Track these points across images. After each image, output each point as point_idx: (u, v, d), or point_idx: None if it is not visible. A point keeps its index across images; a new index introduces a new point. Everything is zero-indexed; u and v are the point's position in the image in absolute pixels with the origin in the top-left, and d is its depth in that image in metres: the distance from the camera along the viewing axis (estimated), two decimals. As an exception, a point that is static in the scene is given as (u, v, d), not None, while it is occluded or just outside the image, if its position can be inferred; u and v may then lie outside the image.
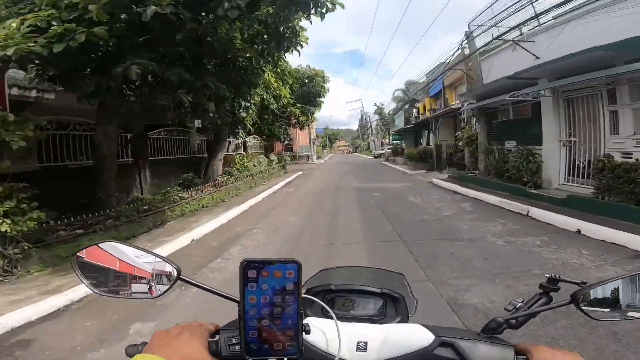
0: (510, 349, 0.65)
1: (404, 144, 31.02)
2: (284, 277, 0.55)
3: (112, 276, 0.68)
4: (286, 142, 35.49)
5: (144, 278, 0.68)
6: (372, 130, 50.99)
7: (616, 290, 0.67)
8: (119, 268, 0.68)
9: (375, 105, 58.62)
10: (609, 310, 0.67)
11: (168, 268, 0.69)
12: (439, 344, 0.67)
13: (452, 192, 10.58)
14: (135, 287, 0.68)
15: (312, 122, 38.68)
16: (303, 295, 0.73)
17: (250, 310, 0.56)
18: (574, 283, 0.72)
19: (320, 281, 0.94)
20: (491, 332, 0.70)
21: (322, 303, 0.75)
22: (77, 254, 0.68)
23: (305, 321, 0.62)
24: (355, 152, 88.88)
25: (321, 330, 0.69)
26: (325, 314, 0.76)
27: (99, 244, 0.68)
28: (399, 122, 33.48)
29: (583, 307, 0.66)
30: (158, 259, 0.69)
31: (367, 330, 0.71)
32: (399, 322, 0.82)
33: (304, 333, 0.60)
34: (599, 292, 0.67)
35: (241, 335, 0.57)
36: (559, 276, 0.76)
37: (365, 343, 0.68)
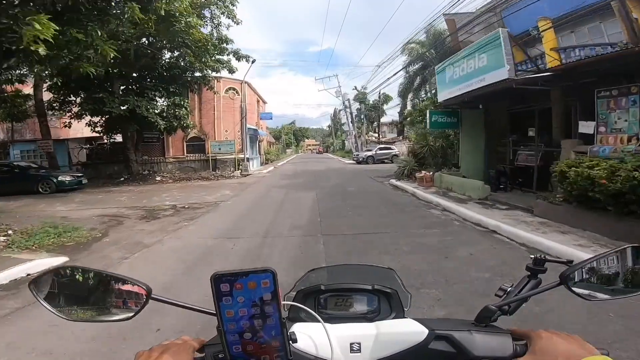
0: (507, 336, 0.65)
1: (458, 140, 13.15)
2: (260, 287, 0.52)
3: (77, 300, 0.64)
4: (189, 131, 19.06)
5: (111, 300, 0.65)
6: (351, 122, 35.31)
7: (604, 268, 0.66)
8: (85, 292, 0.64)
9: (356, 89, 43.44)
10: (599, 289, 0.66)
11: (137, 289, 0.65)
12: (434, 337, 0.65)
13: None
14: (104, 310, 0.65)
15: (235, 92, 22.28)
16: (288, 302, 0.76)
17: (229, 324, 0.54)
18: (561, 262, 0.73)
19: (309, 282, 0.92)
20: (485, 320, 0.69)
21: (308, 308, 0.73)
22: (34, 281, 0.64)
23: (293, 328, 0.66)
24: (327, 152, 73.50)
25: (311, 336, 0.66)
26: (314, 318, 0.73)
27: (59, 269, 0.65)
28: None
29: (573, 288, 0.65)
30: (123, 281, 0.66)
31: (359, 330, 0.69)
32: (394, 317, 0.80)
33: (291, 342, 0.58)
34: (588, 271, 0.65)
35: (225, 351, 0.55)
36: (545, 256, 0.75)
37: (359, 344, 0.66)
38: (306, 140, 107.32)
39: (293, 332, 0.62)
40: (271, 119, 30.53)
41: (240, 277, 0.52)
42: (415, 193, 10.10)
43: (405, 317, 0.77)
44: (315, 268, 1.04)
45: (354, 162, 29.30)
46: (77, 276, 0.64)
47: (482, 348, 0.63)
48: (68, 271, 0.65)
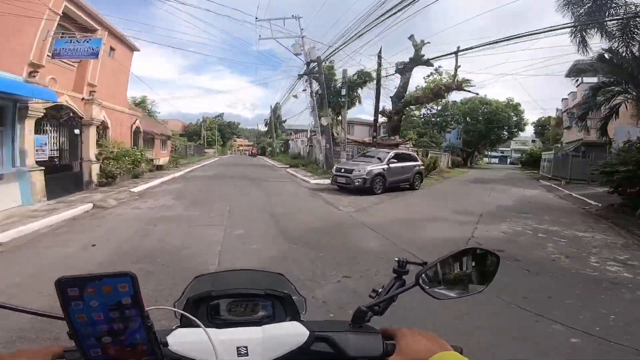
0: (377, 335, 0.70)
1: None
2: (116, 291, 0.50)
3: None
4: None
5: None
6: (319, 102, 18.37)
7: (450, 269, 0.73)
8: None
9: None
10: (447, 288, 0.73)
11: None
12: (314, 339, 0.68)
13: None
14: None
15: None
16: (162, 307, 0.77)
17: (83, 329, 0.52)
18: (417, 264, 0.77)
19: (196, 289, 0.88)
20: (359, 321, 0.73)
21: (182, 311, 0.73)
22: None
23: (174, 333, 0.67)
24: (264, 155, 55.79)
25: (197, 340, 0.66)
26: (207, 323, 0.74)
27: None
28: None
29: (425, 288, 0.71)
30: None
31: (246, 334, 0.70)
32: (290, 321, 0.80)
33: (162, 346, 0.58)
34: (437, 272, 0.73)
35: (83, 356, 0.54)
36: (406, 259, 0.81)
37: (246, 347, 0.67)
38: (237, 139, 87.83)
39: (165, 335, 0.63)
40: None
41: (92, 282, 0.50)
42: None
43: (301, 320, 0.78)
44: (201, 275, 1.00)
45: (335, 184, 12.66)
46: None
47: (356, 348, 0.67)
48: None
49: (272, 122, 54.37)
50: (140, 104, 26.01)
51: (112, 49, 13.07)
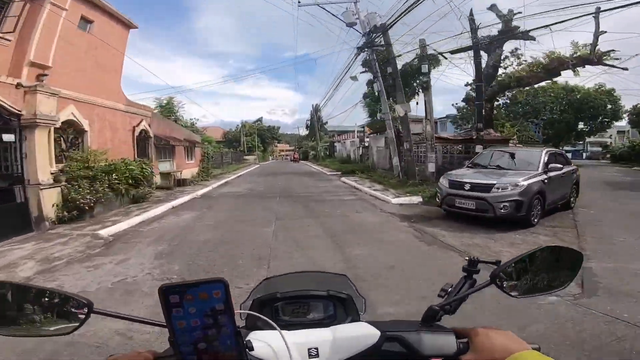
0: (450, 334, 0.68)
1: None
2: (211, 297, 0.51)
3: (11, 316, 0.61)
4: None
5: (48, 315, 0.62)
6: (393, 80, 12.98)
7: (526, 266, 0.72)
8: (18, 307, 0.62)
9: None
10: (524, 286, 0.72)
11: (76, 303, 0.63)
12: (386, 339, 0.68)
13: None
14: (41, 325, 0.62)
15: None
16: (245, 311, 0.77)
17: (181, 335, 0.53)
18: (490, 263, 0.77)
19: (264, 290, 0.92)
20: (430, 320, 0.72)
21: (264, 317, 0.73)
22: None
23: (250, 336, 0.67)
24: (306, 160, 51.35)
25: (269, 343, 0.67)
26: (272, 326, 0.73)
27: None
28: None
29: (502, 286, 0.70)
30: (64, 296, 0.64)
31: (316, 336, 0.70)
32: (350, 322, 0.81)
33: (247, 350, 0.59)
34: (513, 270, 0.71)
35: None
36: (477, 258, 0.81)
37: (317, 349, 0.67)
38: (278, 144, 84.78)
39: (249, 340, 0.63)
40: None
41: (190, 288, 0.51)
42: None
43: (361, 321, 0.79)
44: (270, 277, 1.05)
45: (447, 208, 7.23)
46: (8, 292, 0.62)
47: (430, 347, 0.66)
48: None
49: (314, 123, 49.72)
50: (166, 106, 22.32)
51: (86, 20, 8.76)
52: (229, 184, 17.19)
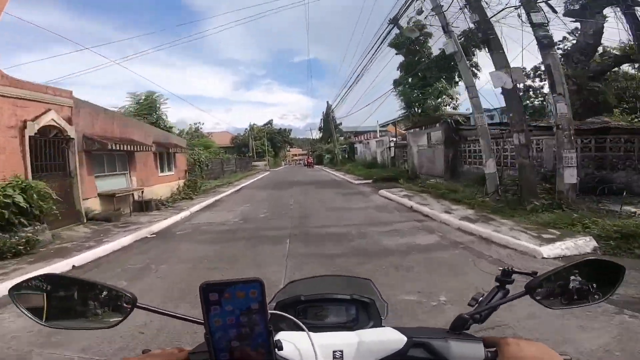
0: (479, 343, 0.67)
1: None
2: (248, 297, 0.53)
3: (59, 308, 0.63)
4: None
5: (94, 308, 0.64)
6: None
7: (564, 278, 0.69)
8: (66, 300, 0.64)
9: None
10: (560, 298, 0.70)
11: (120, 297, 0.65)
12: (412, 345, 0.67)
13: None
14: (87, 318, 0.64)
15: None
16: (273, 311, 0.75)
17: (217, 332, 0.54)
18: (526, 274, 0.76)
19: (289, 293, 0.93)
20: (459, 328, 0.71)
21: (292, 317, 0.74)
22: (15, 288, 0.63)
23: (277, 336, 0.65)
24: (319, 164, 46.13)
25: (295, 344, 0.67)
26: (297, 327, 0.74)
27: (39, 277, 0.63)
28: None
29: (537, 298, 0.69)
30: (106, 289, 0.65)
31: (341, 339, 0.70)
32: (372, 326, 0.82)
33: (276, 350, 0.59)
34: (550, 282, 0.69)
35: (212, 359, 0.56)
36: (512, 268, 0.79)
37: (341, 352, 0.67)
38: (290, 149, 79.89)
39: (279, 339, 0.63)
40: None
41: (229, 287, 0.52)
42: None
43: (384, 326, 0.79)
44: (294, 280, 1.07)
45: None
46: (57, 284, 0.64)
47: (457, 355, 0.64)
48: (48, 279, 0.64)
49: (329, 123, 44.40)
50: (145, 103, 17.37)
51: None
52: (220, 203, 12.00)
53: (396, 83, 21.30)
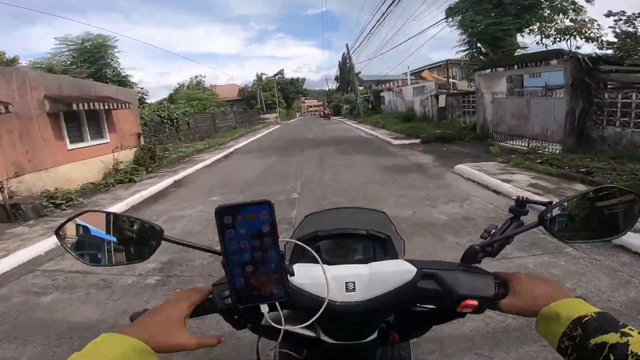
0: (490, 277, 0.65)
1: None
2: (259, 219, 0.53)
3: (100, 246, 0.66)
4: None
5: (130, 243, 0.66)
6: None
7: (581, 208, 0.65)
8: (105, 237, 0.65)
9: None
10: (576, 231, 0.66)
11: (151, 229, 0.66)
12: (422, 276, 0.66)
13: None
14: (124, 253, 0.66)
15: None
16: (290, 239, 0.77)
17: (232, 257, 0.55)
18: (541, 203, 0.72)
19: (306, 229, 0.94)
20: (470, 260, 0.69)
21: (306, 246, 0.71)
22: (60, 228, 0.64)
23: (294, 266, 0.65)
24: (337, 115, 40.16)
25: (310, 275, 0.67)
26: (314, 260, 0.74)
27: (80, 216, 0.65)
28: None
29: (551, 229, 0.65)
30: (139, 222, 0.67)
31: (354, 271, 0.70)
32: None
33: (289, 276, 0.59)
34: (565, 212, 0.65)
35: (230, 286, 0.57)
36: (526, 198, 0.73)
37: (354, 282, 0.67)
38: (305, 100, 73.14)
39: (290, 265, 0.62)
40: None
41: (241, 209, 0.52)
42: None
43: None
44: (311, 213, 1.09)
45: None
46: (97, 220, 0.65)
47: (467, 287, 0.64)
48: (89, 216, 0.66)
49: (350, 69, 37.51)
50: (86, 47, 11.94)
51: None
52: (171, 193, 6.99)
53: (452, 10, 14.83)
